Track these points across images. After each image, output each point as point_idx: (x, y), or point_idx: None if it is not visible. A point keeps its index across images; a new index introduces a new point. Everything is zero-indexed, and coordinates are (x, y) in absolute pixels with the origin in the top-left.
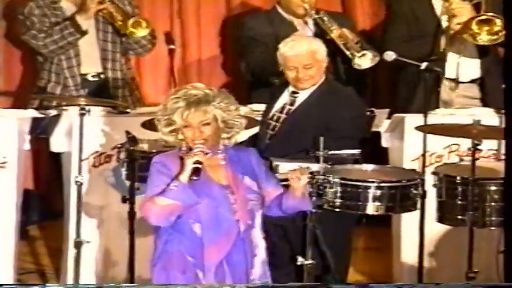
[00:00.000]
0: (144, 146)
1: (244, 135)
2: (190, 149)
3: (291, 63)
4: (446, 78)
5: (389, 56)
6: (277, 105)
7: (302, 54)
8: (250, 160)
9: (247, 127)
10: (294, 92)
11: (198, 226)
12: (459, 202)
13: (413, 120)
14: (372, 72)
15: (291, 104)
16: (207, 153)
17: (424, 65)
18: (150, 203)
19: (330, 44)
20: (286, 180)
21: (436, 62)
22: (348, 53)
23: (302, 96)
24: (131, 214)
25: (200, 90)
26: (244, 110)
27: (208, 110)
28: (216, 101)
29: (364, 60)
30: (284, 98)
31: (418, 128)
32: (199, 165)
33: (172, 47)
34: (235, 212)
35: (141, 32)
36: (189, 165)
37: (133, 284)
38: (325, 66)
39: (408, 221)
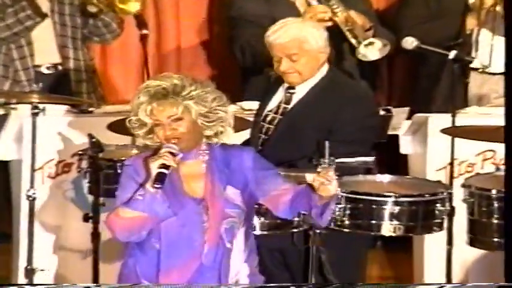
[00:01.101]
0: (111, 153)
1: (235, 139)
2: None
3: (275, 52)
4: (475, 69)
5: (410, 42)
6: (272, 104)
7: (285, 42)
8: (242, 161)
9: (237, 129)
10: (289, 88)
11: (158, 246)
12: (495, 221)
13: (438, 121)
14: (389, 63)
15: (287, 103)
16: (175, 155)
17: (452, 53)
18: (114, 215)
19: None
20: None
21: (463, 47)
22: (353, 41)
23: (300, 93)
24: (95, 235)
25: (165, 81)
26: (233, 108)
27: (177, 103)
28: (185, 90)
29: (371, 50)
30: (279, 95)
31: (444, 131)
32: (165, 170)
33: (144, 32)
34: (205, 231)
35: (133, 6)
36: (154, 169)
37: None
38: (323, 58)
39: (433, 244)
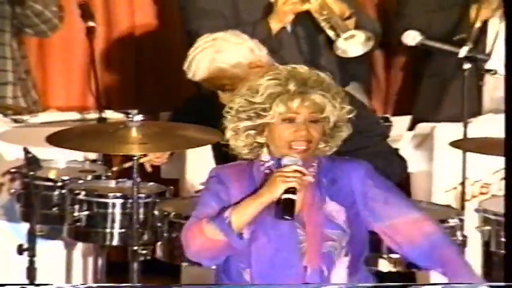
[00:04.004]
0: (51, 171)
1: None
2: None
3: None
4: (489, 70)
5: (412, 37)
6: None
7: (203, 78)
8: (351, 175)
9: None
10: None
11: (249, 273)
12: None
13: (447, 131)
14: (386, 61)
15: None
16: (304, 174)
17: (463, 51)
18: (196, 228)
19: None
20: None
21: (476, 42)
22: (331, 33)
23: None
24: (31, 271)
25: (307, 70)
26: None
27: (324, 101)
28: (332, 90)
29: (352, 45)
30: None
31: (454, 144)
32: (295, 196)
33: (91, 24)
34: (304, 254)
35: None
36: (274, 191)
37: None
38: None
39: (440, 281)
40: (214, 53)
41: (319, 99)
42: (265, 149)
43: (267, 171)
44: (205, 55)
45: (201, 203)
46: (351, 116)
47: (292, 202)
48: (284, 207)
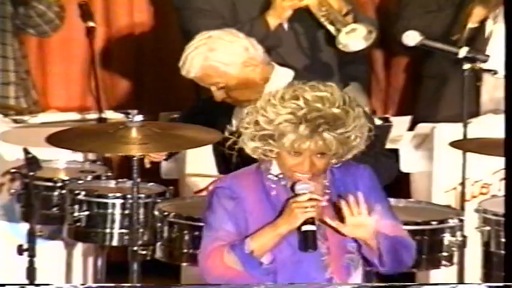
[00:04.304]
0: (51, 172)
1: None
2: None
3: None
4: (488, 70)
5: (412, 38)
6: (233, 126)
7: (196, 75)
8: (357, 180)
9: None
10: None
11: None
12: None
13: (447, 132)
14: (385, 62)
15: None
16: (319, 201)
17: (463, 51)
18: (217, 257)
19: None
20: None
21: (474, 43)
22: (331, 28)
23: None
24: (31, 271)
25: (327, 106)
26: None
27: (334, 142)
28: (348, 123)
29: (354, 39)
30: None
31: (454, 144)
32: (314, 227)
33: (91, 24)
34: (327, 266)
35: None
36: (298, 220)
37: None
38: (258, 69)
39: (440, 282)
40: (208, 51)
41: (328, 140)
42: (274, 162)
43: (279, 187)
44: (199, 53)
45: (215, 223)
46: (371, 134)
47: (313, 233)
48: (306, 240)
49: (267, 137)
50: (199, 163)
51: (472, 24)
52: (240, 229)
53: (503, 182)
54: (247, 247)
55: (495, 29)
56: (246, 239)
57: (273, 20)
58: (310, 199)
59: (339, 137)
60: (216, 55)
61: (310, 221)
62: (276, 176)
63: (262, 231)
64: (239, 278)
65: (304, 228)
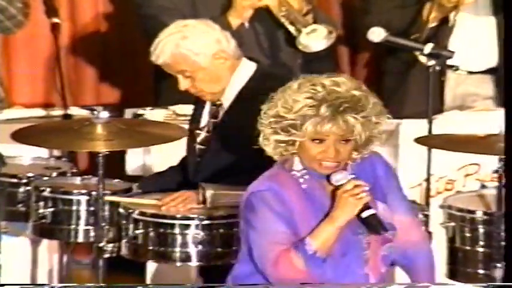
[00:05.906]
0: (16, 168)
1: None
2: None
3: (166, 70)
4: (451, 66)
5: (377, 34)
6: (203, 121)
7: (165, 62)
8: (375, 170)
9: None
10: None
11: None
12: (481, 250)
13: (411, 128)
14: (349, 58)
15: (214, 117)
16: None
17: (428, 47)
18: (286, 262)
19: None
20: None
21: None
22: (291, 28)
23: (226, 103)
24: None
25: (345, 89)
26: (164, 113)
27: (356, 123)
28: (366, 108)
29: (314, 39)
30: (207, 110)
31: (419, 140)
32: (374, 211)
33: (56, 20)
34: (367, 261)
35: None
36: (356, 208)
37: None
38: (227, 62)
39: (404, 279)
40: (180, 39)
41: (351, 122)
42: (297, 158)
43: (309, 181)
44: (171, 40)
45: (267, 227)
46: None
47: (375, 216)
48: (375, 224)
49: (290, 127)
50: (165, 160)
51: (430, 22)
52: (293, 228)
53: (467, 178)
54: (310, 247)
55: (457, 23)
56: (306, 239)
57: (234, 19)
58: (355, 186)
59: (362, 120)
60: (187, 43)
61: (367, 206)
62: (299, 171)
63: (320, 228)
64: (308, 276)
65: (365, 214)
